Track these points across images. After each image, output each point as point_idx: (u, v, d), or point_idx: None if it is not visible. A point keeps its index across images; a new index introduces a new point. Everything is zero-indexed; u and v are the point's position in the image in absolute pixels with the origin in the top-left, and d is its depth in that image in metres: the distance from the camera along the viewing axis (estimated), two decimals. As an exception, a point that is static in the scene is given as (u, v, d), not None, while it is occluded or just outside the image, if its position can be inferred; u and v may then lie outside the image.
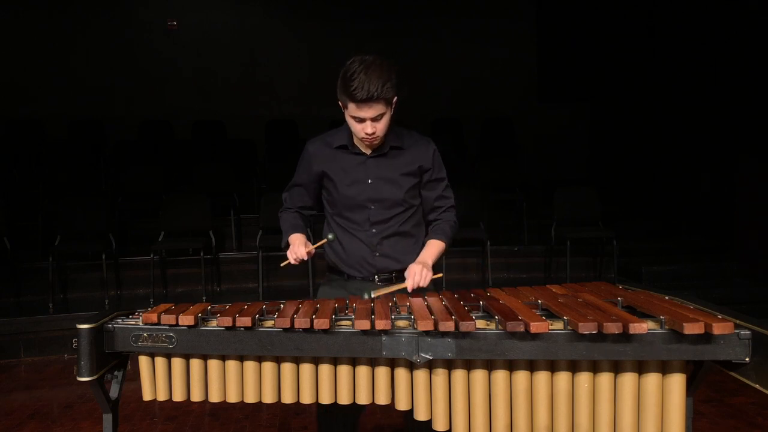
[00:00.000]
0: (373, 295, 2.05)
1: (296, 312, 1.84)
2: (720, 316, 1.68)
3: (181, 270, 5.92)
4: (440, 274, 2.10)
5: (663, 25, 7.38)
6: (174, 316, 1.81)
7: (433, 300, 1.98)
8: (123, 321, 1.88)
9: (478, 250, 6.05)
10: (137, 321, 1.87)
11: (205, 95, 8.27)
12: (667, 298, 1.93)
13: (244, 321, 1.78)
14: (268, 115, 8.24)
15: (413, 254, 2.25)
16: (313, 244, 2.25)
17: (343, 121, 2.21)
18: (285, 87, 8.55)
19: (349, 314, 1.86)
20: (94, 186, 6.70)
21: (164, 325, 1.82)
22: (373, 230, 2.23)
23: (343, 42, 8.52)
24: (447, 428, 1.78)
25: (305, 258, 2.17)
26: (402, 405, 1.80)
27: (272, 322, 1.80)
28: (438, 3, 8.55)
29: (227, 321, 1.78)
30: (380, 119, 2.09)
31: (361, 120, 2.08)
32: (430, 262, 2.20)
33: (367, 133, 2.11)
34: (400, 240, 2.27)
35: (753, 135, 5.93)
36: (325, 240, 2.28)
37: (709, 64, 6.52)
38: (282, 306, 1.94)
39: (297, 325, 1.76)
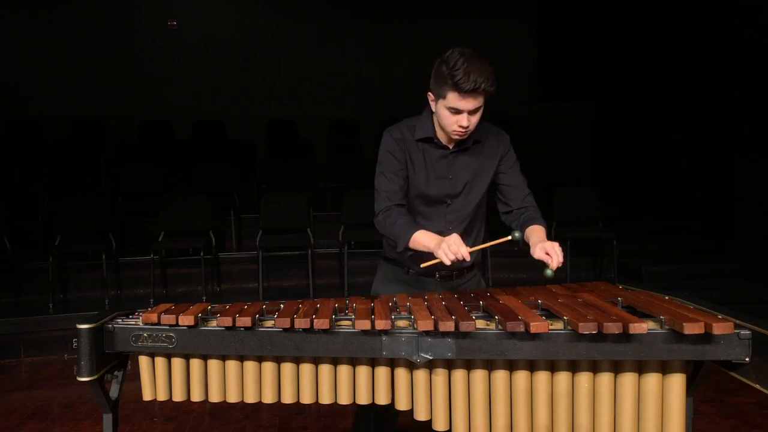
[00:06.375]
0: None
1: (296, 312, 1.84)
2: (720, 316, 1.68)
3: (181, 270, 5.92)
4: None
5: (663, 25, 7.38)
6: (174, 316, 1.81)
7: (433, 300, 1.97)
8: (123, 321, 1.88)
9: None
10: (137, 321, 1.87)
11: (205, 95, 8.27)
12: (667, 298, 1.93)
13: (244, 321, 1.78)
14: (268, 115, 8.24)
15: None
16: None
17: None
18: (285, 87, 8.55)
19: (349, 314, 1.86)
20: (94, 186, 6.70)
21: (164, 325, 1.82)
22: (450, 228, 2.13)
23: (343, 42, 8.54)
24: (447, 428, 1.78)
25: (467, 258, 1.89)
26: (402, 405, 1.80)
27: (272, 322, 1.80)
28: (438, 3, 8.54)
29: (227, 321, 1.78)
30: (476, 113, 2.02)
31: (458, 111, 2.00)
32: None
33: (461, 126, 2.02)
34: (467, 237, 2.20)
35: (752, 135, 5.93)
36: (500, 241, 2.01)
37: (709, 65, 6.51)
38: (282, 306, 1.94)
39: (297, 325, 1.76)
